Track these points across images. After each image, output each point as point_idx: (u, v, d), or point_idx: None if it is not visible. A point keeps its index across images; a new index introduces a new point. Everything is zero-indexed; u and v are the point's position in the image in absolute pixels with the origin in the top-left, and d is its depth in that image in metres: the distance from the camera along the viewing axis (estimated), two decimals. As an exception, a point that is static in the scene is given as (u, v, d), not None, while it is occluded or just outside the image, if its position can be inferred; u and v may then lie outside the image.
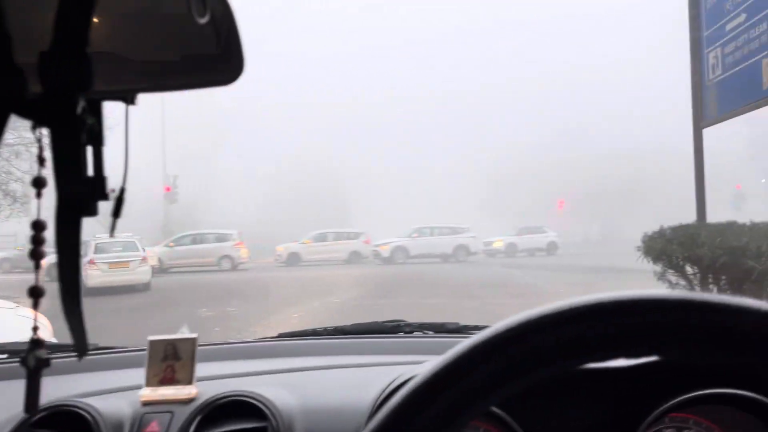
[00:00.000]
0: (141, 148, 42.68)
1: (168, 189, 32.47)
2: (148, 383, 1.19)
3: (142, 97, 0.60)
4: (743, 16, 5.18)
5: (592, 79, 61.23)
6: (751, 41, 5.09)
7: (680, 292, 0.50)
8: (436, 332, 1.66)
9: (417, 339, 1.61)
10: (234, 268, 23.16)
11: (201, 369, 1.26)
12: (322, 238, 26.90)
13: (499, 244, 30.71)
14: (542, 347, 0.44)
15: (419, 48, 64.79)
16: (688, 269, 5.83)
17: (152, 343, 1.22)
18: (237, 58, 0.56)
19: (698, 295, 0.48)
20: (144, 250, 16.01)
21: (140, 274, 15.19)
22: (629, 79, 60.48)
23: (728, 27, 5.52)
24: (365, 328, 1.71)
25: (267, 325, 8.46)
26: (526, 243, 30.80)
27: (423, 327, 1.68)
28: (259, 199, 52.00)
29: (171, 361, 1.15)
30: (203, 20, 0.51)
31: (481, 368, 0.44)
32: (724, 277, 5.24)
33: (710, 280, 5.58)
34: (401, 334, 1.65)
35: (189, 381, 1.19)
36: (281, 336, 1.75)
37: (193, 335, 1.10)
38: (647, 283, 6.87)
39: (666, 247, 5.85)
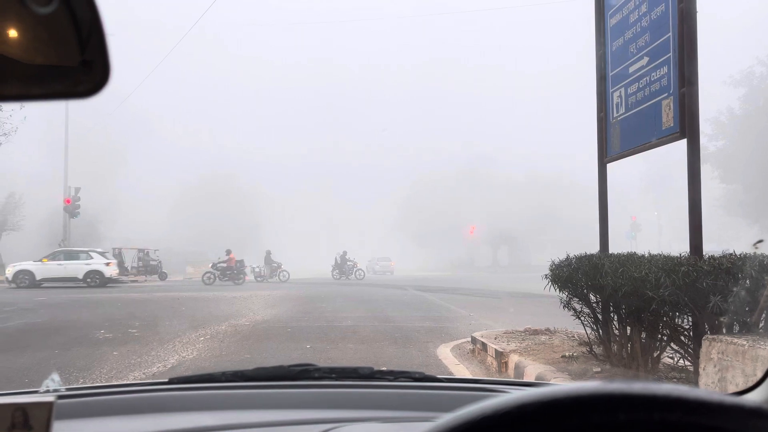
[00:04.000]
0: (41, 157, 40.27)
1: (68, 201, 30.76)
2: None
3: (45, 104, 0.53)
4: (646, 59, 5.50)
5: (507, 110, 63.57)
6: (652, 83, 5.41)
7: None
8: (347, 377, 1.54)
9: (326, 389, 1.48)
10: None
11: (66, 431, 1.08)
12: None
13: (9, 271, 24.77)
14: None
15: (341, 81, 65.25)
16: (592, 297, 6.06)
17: None
18: (102, 69, 0.51)
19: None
20: None
21: None
22: (542, 111, 63.26)
23: (631, 69, 5.85)
24: (269, 374, 1.54)
25: (172, 348, 8.07)
26: (51, 271, 24.89)
27: (333, 372, 1.55)
28: (168, 216, 50.18)
29: (19, 431, 0.90)
30: (46, 9, 0.46)
31: None
32: (624, 307, 5.46)
33: (611, 308, 5.82)
34: (309, 380, 1.53)
35: None
36: (172, 381, 1.55)
37: (49, 398, 0.84)
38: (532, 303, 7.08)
39: (572, 276, 6.06)
